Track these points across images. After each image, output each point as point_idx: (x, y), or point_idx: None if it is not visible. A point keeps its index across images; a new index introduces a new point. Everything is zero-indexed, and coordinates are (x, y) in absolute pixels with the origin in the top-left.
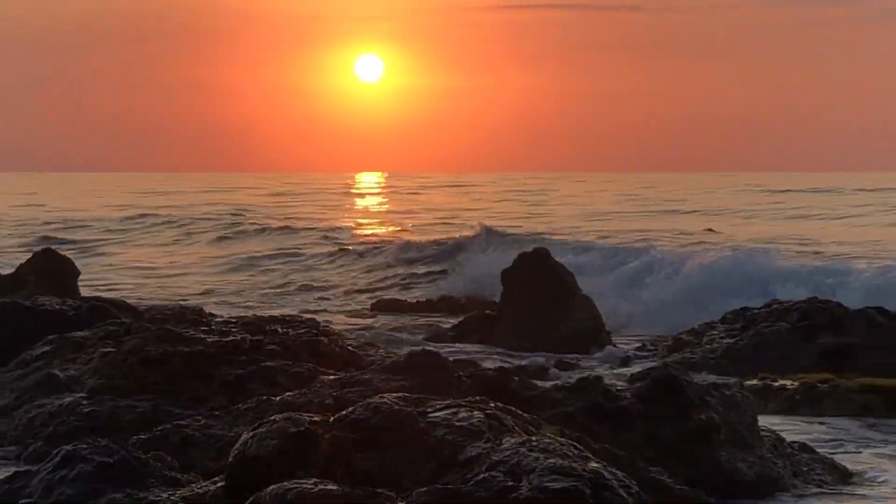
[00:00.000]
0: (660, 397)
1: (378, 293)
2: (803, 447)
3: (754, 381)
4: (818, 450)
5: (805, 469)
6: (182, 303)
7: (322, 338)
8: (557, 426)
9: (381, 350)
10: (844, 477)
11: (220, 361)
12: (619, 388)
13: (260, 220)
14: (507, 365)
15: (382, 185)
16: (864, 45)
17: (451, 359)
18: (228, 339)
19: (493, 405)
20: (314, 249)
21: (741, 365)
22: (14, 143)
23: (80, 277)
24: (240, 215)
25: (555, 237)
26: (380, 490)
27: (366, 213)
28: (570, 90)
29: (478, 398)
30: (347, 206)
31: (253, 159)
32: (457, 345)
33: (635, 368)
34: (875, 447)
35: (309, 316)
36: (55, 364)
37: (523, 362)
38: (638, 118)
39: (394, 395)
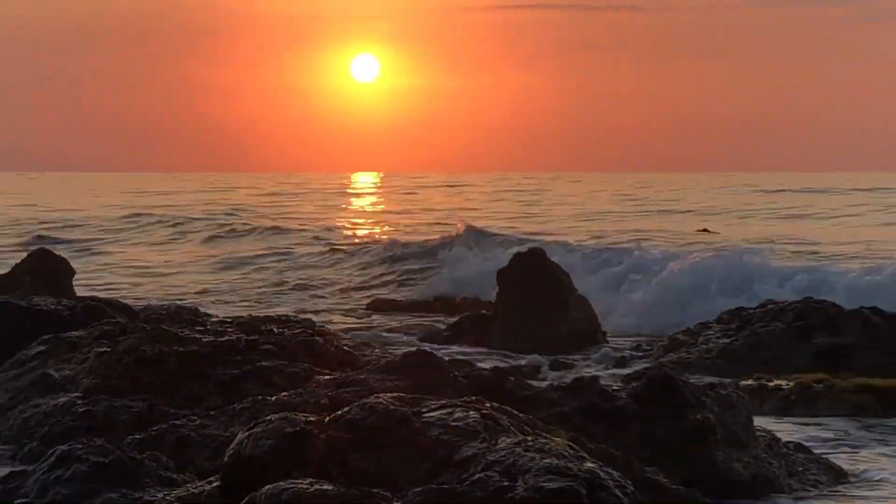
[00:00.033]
0: (655, 397)
1: (361, 292)
2: (798, 447)
3: (750, 381)
4: (813, 450)
5: (800, 469)
6: (178, 303)
7: (317, 338)
8: (553, 426)
9: (377, 350)
10: (840, 477)
11: (216, 361)
12: (614, 388)
13: (255, 219)
14: (502, 365)
15: (378, 185)
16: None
17: (447, 359)
18: (224, 338)
19: (488, 405)
20: (307, 249)
21: (736, 365)
22: (11, 143)
23: (76, 277)
24: (235, 215)
25: (538, 237)
26: (375, 490)
27: (359, 212)
28: (566, 90)
29: (473, 398)
30: (342, 205)
31: (249, 159)
32: (452, 345)
33: (631, 369)
34: (870, 447)
35: (304, 316)
36: (50, 364)
37: (519, 362)
38: (635, 118)
39: (389, 395)
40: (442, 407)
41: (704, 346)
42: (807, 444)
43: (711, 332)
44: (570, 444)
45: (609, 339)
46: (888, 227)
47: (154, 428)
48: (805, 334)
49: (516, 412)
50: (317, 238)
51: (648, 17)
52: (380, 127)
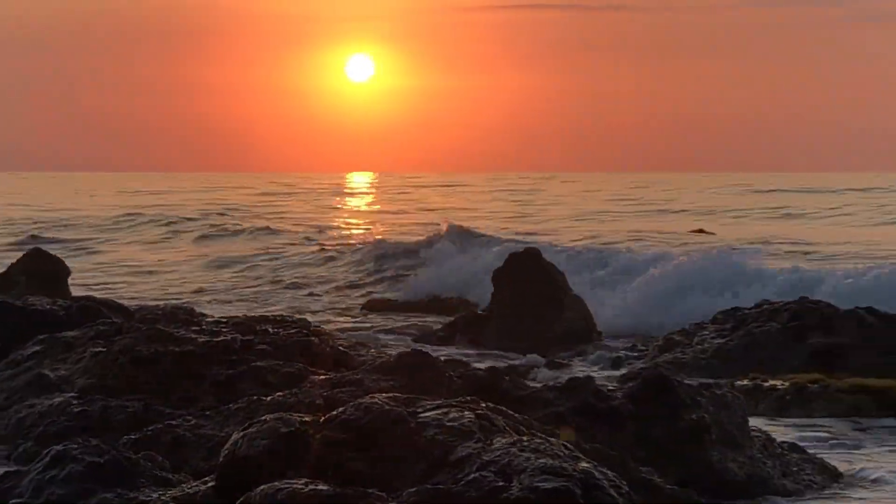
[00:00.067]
0: (651, 397)
1: (345, 292)
2: (793, 447)
3: (745, 382)
4: (808, 450)
5: (795, 469)
6: (173, 302)
7: (313, 338)
8: (549, 426)
9: (372, 350)
10: (834, 477)
11: (211, 361)
12: (610, 388)
13: (248, 219)
14: (498, 365)
15: (372, 184)
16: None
17: (442, 359)
18: (219, 339)
19: (483, 405)
20: (298, 249)
21: (732, 365)
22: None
23: (71, 276)
24: (228, 215)
25: (523, 237)
26: (370, 490)
27: (352, 212)
28: (562, 90)
29: (468, 398)
30: (335, 205)
31: (244, 159)
32: (447, 345)
33: (626, 369)
34: (865, 447)
35: (298, 315)
36: (45, 364)
37: (514, 362)
38: (632, 118)
39: (384, 395)
40: (437, 407)
41: (700, 347)
42: (801, 444)
43: (707, 333)
44: (565, 444)
45: (604, 338)
46: (881, 227)
47: (149, 428)
48: (800, 334)
49: (511, 412)
50: (308, 238)
51: (645, 17)
52: (375, 127)
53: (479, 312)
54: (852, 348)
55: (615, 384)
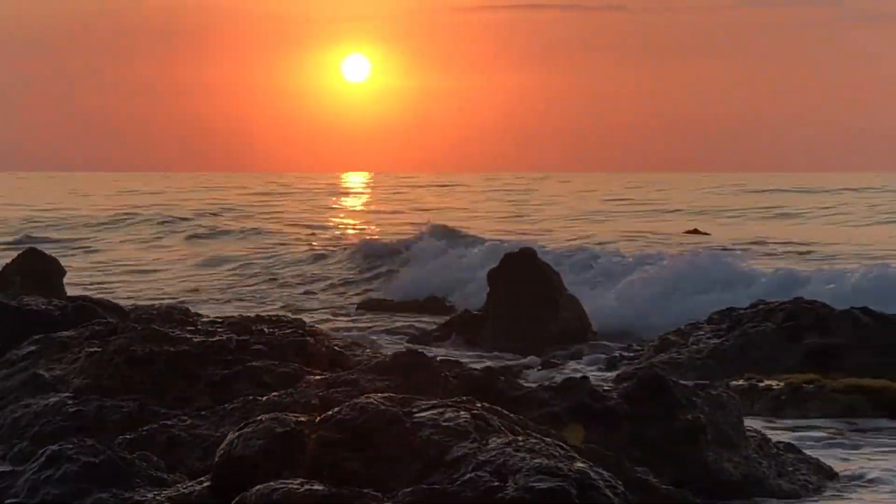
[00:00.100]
0: (646, 397)
1: (338, 291)
2: (789, 447)
3: (740, 382)
4: (804, 450)
5: (790, 469)
6: (168, 302)
7: (308, 338)
8: (544, 426)
9: (368, 350)
10: (830, 477)
11: (207, 361)
12: (605, 388)
13: (242, 219)
14: (493, 365)
15: (368, 184)
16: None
17: (437, 359)
18: (214, 338)
19: (479, 405)
20: (291, 248)
21: (727, 365)
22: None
23: (65, 276)
24: (223, 214)
25: (507, 237)
26: (366, 490)
27: (346, 212)
28: (559, 90)
29: (464, 398)
30: (330, 205)
31: (240, 159)
32: (443, 345)
33: (622, 369)
34: (860, 447)
35: (293, 315)
36: (41, 364)
37: (510, 362)
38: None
39: (380, 395)
40: (433, 407)
41: (695, 347)
42: (797, 444)
43: (702, 333)
44: (561, 444)
45: (599, 339)
46: (874, 227)
47: (145, 428)
48: (795, 335)
49: (507, 412)
50: (299, 238)
51: (643, 18)
52: (370, 127)
53: (475, 312)
54: (848, 348)
55: (610, 384)
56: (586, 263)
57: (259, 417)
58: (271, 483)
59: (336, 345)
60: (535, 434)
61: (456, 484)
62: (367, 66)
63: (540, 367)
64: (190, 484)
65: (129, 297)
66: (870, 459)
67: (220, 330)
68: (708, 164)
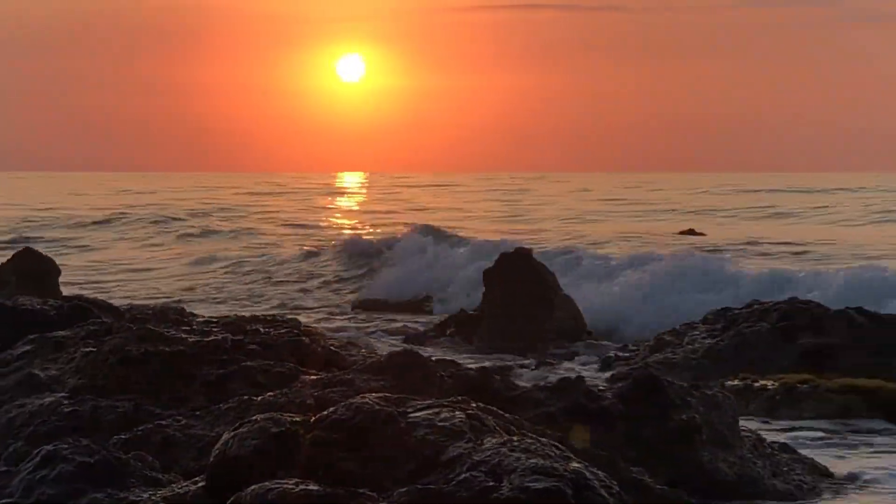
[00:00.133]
0: (641, 397)
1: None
2: (783, 447)
3: (735, 382)
4: (798, 450)
5: (785, 469)
6: (163, 302)
7: (303, 338)
8: (540, 426)
9: (363, 350)
10: (824, 477)
11: (202, 361)
12: (600, 388)
13: (238, 219)
14: (489, 364)
15: (362, 184)
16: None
17: (433, 359)
18: (210, 338)
19: (474, 405)
20: (284, 248)
21: (722, 365)
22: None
23: (61, 276)
24: (218, 214)
25: (493, 238)
26: (361, 490)
27: (340, 212)
28: (554, 90)
29: (459, 398)
30: (324, 205)
31: (235, 159)
32: (438, 345)
33: (616, 369)
34: (855, 447)
35: (287, 314)
36: (36, 364)
37: (506, 362)
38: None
39: (375, 395)
40: (428, 407)
41: (690, 347)
42: (792, 444)
43: (697, 333)
44: (556, 444)
45: (594, 338)
46: (869, 226)
47: (140, 428)
48: (790, 335)
49: (502, 412)
50: (291, 237)
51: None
52: (366, 127)
53: (470, 312)
54: (842, 348)
55: (605, 384)
56: (572, 264)
57: (254, 417)
58: (266, 483)
59: (331, 345)
60: (530, 434)
61: (451, 484)
62: (363, 65)
63: (535, 367)
64: (185, 484)
65: (124, 297)
66: (864, 459)
67: (215, 330)
68: (705, 164)
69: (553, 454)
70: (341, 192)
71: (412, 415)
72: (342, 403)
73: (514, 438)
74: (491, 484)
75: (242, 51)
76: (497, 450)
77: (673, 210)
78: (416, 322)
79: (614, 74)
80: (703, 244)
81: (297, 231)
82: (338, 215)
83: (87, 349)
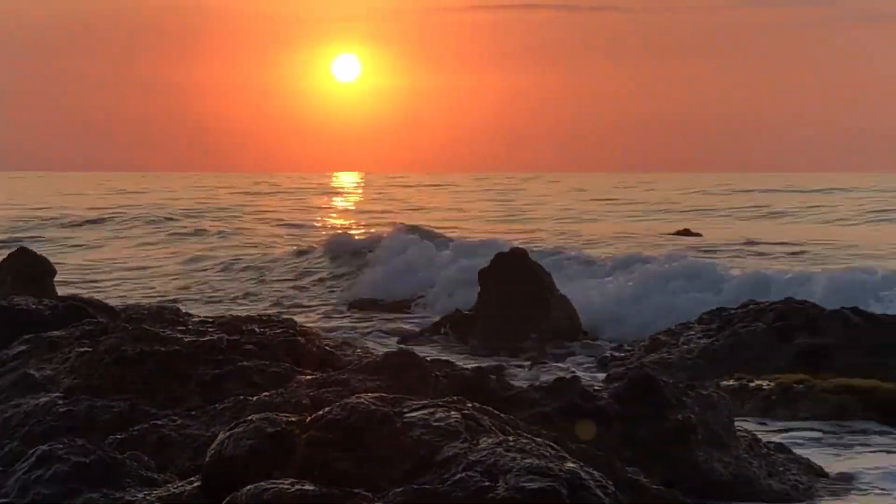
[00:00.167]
0: (637, 398)
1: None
2: (779, 447)
3: (730, 382)
4: (794, 450)
5: (781, 469)
6: (158, 301)
7: (299, 338)
8: (535, 426)
9: (358, 350)
10: (820, 477)
11: (197, 361)
12: (596, 388)
13: (232, 218)
14: (484, 364)
15: (357, 184)
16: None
17: (428, 358)
18: (205, 338)
19: (470, 405)
20: (276, 248)
21: (717, 365)
22: None
23: (56, 276)
24: (212, 214)
25: (476, 237)
26: (356, 490)
27: (334, 211)
28: (549, 90)
29: (455, 398)
30: (318, 205)
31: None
32: (433, 345)
33: (612, 370)
34: (850, 447)
35: (284, 314)
36: (31, 364)
37: (501, 362)
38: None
39: (370, 395)
40: (423, 407)
41: (686, 347)
42: (787, 444)
43: (692, 333)
44: (552, 444)
45: (589, 338)
46: (865, 226)
47: (135, 428)
48: (786, 335)
49: (498, 412)
50: (281, 237)
51: (632, 18)
52: (361, 127)
53: (466, 312)
54: (838, 348)
55: (601, 384)
56: (559, 265)
57: (250, 417)
58: (262, 483)
59: (327, 345)
60: (525, 434)
61: (447, 484)
62: (358, 65)
63: (531, 367)
64: (180, 484)
65: (119, 297)
66: (860, 460)
67: (210, 330)
68: (702, 164)
69: (548, 454)
70: (337, 192)
71: (408, 415)
72: (338, 403)
73: (510, 438)
74: (486, 484)
75: (238, 51)
76: (493, 450)
77: (669, 210)
78: (406, 322)
79: (611, 74)
80: (699, 244)
81: (292, 231)
82: (333, 215)
83: (83, 349)
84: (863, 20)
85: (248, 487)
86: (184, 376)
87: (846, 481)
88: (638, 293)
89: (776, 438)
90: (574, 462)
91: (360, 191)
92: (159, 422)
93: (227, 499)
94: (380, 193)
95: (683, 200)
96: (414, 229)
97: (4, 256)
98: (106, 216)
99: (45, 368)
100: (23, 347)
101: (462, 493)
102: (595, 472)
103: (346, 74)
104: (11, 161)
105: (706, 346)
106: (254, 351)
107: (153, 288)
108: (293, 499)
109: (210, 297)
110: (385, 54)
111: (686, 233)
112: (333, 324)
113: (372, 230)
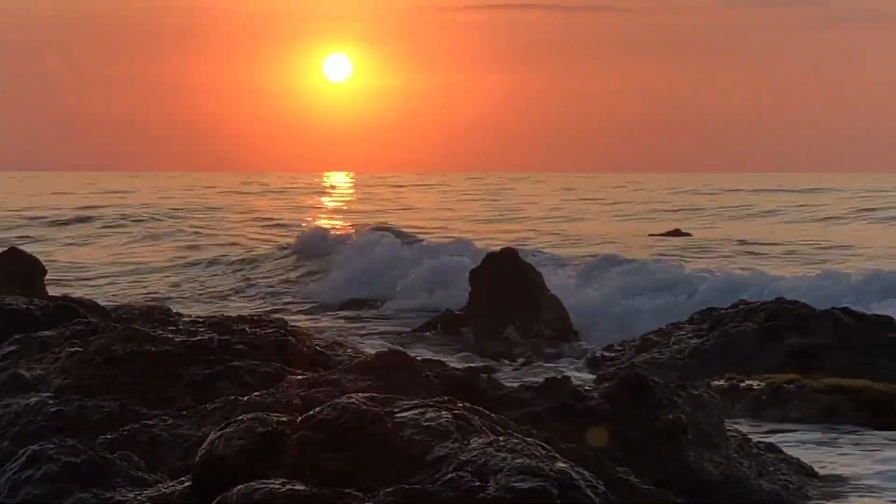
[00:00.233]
0: (627, 397)
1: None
2: (770, 447)
3: (721, 382)
4: (784, 450)
5: (771, 469)
6: (149, 301)
7: (290, 337)
8: (526, 426)
9: (349, 350)
10: (810, 477)
11: (188, 361)
12: (586, 388)
13: (223, 218)
14: (475, 364)
15: (346, 184)
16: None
17: (419, 359)
18: (196, 338)
19: (460, 405)
20: (267, 248)
21: (708, 365)
22: None
23: (46, 275)
24: (203, 213)
25: (451, 237)
26: (347, 490)
27: (323, 211)
28: (540, 90)
29: (445, 398)
30: (308, 205)
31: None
32: (424, 345)
33: (603, 369)
34: (841, 447)
35: (276, 315)
36: (21, 364)
37: (492, 362)
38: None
39: (361, 395)
40: (414, 407)
41: (676, 347)
42: (777, 444)
43: (683, 333)
44: (542, 444)
45: (581, 338)
46: (857, 225)
47: (126, 428)
48: (776, 335)
49: (488, 412)
50: (271, 236)
51: (623, 18)
52: (352, 127)
53: (457, 312)
54: (828, 348)
55: (592, 384)
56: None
57: (240, 417)
58: (252, 483)
59: (318, 345)
60: (516, 434)
61: (437, 484)
62: (349, 65)
63: (521, 367)
64: (171, 484)
65: (109, 296)
66: (850, 459)
67: (201, 330)
68: (693, 164)
69: (539, 454)
70: (327, 192)
71: (398, 415)
72: (328, 403)
73: (501, 438)
74: (477, 484)
75: (229, 50)
76: (483, 450)
77: (659, 210)
78: (405, 321)
79: (600, 74)
80: (689, 244)
81: (281, 231)
82: (322, 215)
83: (73, 349)
84: (862, 20)
85: (239, 487)
86: (174, 376)
87: (836, 481)
88: (609, 297)
89: (767, 438)
90: (565, 462)
91: (351, 190)
92: (150, 422)
93: (218, 499)
94: (369, 193)
95: (673, 200)
96: (385, 228)
97: None
98: (96, 215)
99: (36, 368)
100: (13, 347)
101: (453, 492)
102: (586, 472)
103: (337, 74)
104: (4, 161)
105: (697, 346)
106: (245, 351)
107: (143, 287)
108: (284, 499)
109: (200, 296)
110: (376, 54)
111: (676, 233)
112: (326, 323)
113: (349, 230)
